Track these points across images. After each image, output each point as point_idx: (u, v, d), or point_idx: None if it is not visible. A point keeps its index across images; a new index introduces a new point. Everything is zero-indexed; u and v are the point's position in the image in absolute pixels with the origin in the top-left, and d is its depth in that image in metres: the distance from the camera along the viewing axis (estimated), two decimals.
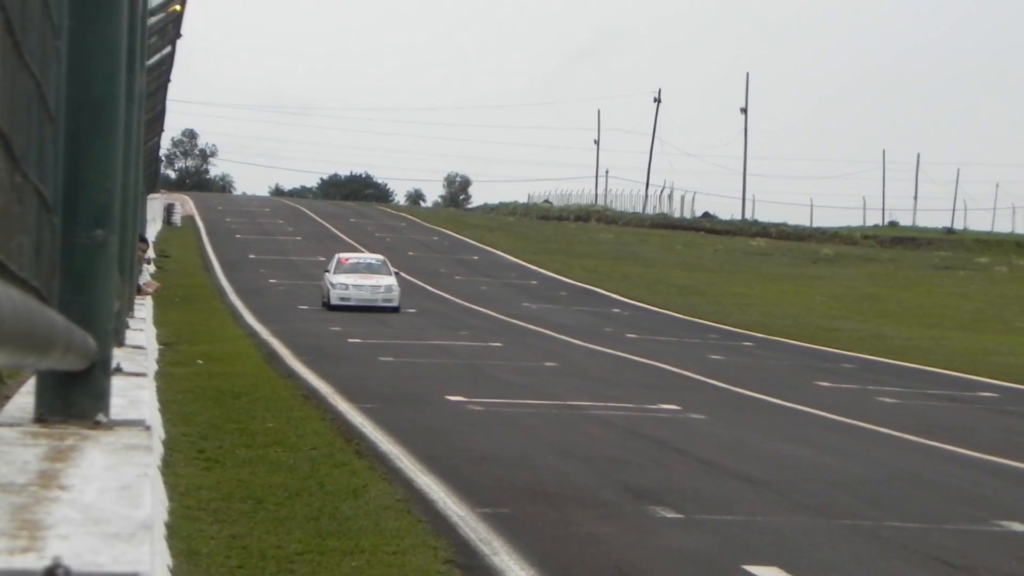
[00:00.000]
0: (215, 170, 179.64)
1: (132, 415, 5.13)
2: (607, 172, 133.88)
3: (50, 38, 4.27)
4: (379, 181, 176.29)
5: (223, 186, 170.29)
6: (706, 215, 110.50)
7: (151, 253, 47.57)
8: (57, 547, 2.62)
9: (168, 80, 34.30)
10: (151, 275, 44.60)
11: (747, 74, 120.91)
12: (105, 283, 5.07)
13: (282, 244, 71.86)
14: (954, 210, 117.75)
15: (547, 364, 29.11)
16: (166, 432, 16.03)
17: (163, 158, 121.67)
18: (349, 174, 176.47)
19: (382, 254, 50.60)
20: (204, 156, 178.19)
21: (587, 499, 13.74)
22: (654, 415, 21.12)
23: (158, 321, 31.28)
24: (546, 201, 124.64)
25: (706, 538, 12.14)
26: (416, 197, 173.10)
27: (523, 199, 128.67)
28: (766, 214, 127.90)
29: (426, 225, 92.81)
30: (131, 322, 14.49)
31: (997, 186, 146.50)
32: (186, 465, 14.41)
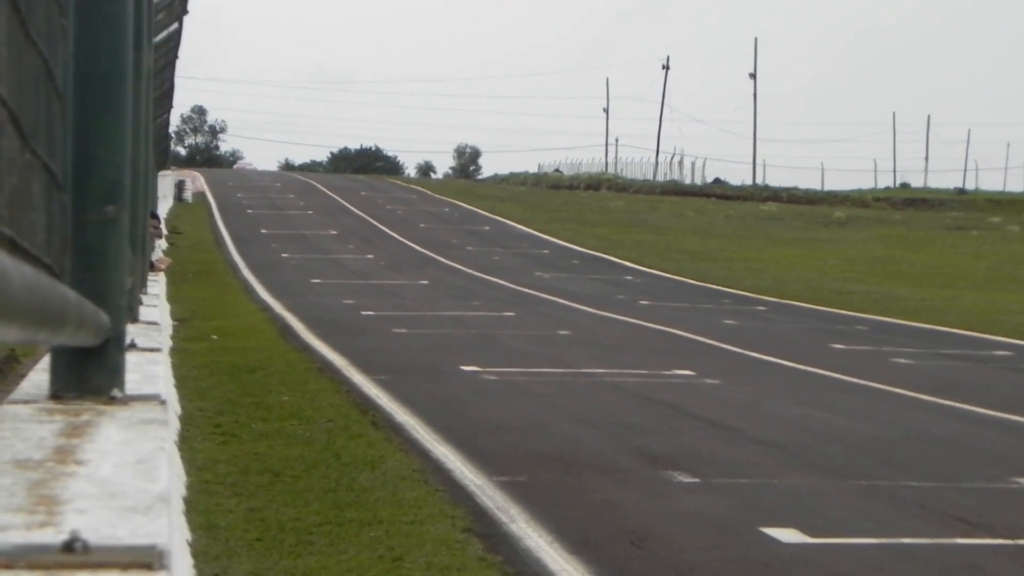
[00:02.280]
0: (225, 146, 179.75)
1: (147, 390, 5.15)
2: (617, 140, 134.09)
3: (56, 15, 4.28)
4: (389, 154, 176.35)
5: (233, 162, 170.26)
6: (717, 181, 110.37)
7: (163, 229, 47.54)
8: (75, 521, 2.63)
9: (176, 57, 34.26)
10: (163, 251, 44.62)
11: (755, 39, 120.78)
12: (117, 259, 5.08)
13: (293, 218, 71.81)
14: (965, 170, 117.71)
15: (560, 332, 29.10)
16: (182, 407, 16.07)
17: (173, 135, 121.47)
18: (359, 147, 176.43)
19: (393, 226, 49.49)
20: (214, 132, 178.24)
21: (603, 465, 13.76)
22: (668, 381, 21.12)
23: (172, 297, 31.32)
24: (556, 170, 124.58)
25: (722, 501, 12.16)
26: (426, 169, 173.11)
27: (533, 169, 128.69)
28: (777, 179, 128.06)
29: (437, 197, 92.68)
30: (144, 299, 14.52)
31: (1008, 145, 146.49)
32: (203, 440, 14.45)
